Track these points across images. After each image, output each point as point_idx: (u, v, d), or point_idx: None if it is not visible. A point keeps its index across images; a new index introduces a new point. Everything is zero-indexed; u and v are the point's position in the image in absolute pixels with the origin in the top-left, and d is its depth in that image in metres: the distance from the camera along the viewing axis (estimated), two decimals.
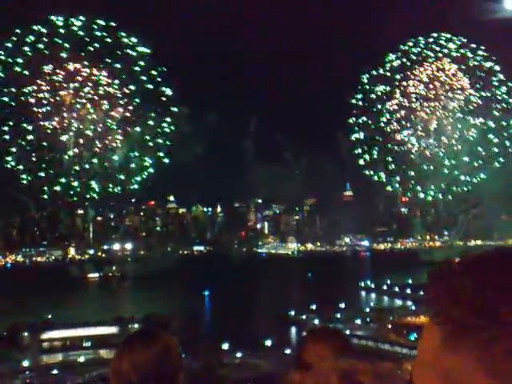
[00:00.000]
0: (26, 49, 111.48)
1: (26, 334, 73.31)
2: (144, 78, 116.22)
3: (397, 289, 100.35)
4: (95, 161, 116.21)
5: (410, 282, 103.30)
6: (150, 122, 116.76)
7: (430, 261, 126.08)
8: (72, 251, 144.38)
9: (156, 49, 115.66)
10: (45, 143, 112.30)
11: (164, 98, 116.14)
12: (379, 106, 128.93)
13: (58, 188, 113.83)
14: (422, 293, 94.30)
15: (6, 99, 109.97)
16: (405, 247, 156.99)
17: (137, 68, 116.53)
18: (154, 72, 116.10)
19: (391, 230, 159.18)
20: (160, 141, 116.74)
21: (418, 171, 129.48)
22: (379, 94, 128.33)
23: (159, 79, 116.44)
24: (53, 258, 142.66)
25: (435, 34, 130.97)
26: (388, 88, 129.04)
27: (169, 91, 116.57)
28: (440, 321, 1.03)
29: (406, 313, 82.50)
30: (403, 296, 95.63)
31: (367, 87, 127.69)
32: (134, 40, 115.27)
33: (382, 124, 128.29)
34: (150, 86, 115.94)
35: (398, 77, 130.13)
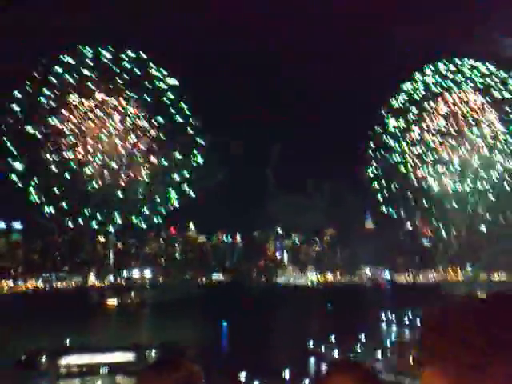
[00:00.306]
0: (53, 79, 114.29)
1: (44, 358, 73.36)
2: (172, 110, 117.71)
3: (418, 322, 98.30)
4: (119, 193, 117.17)
5: None
6: (176, 154, 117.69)
7: (452, 294, 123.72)
8: (92, 277, 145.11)
9: (182, 80, 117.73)
10: (67, 175, 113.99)
11: (191, 130, 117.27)
12: (397, 141, 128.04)
13: (80, 219, 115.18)
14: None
15: (30, 130, 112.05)
16: (427, 280, 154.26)
17: (164, 99, 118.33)
18: (182, 104, 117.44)
19: (413, 261, 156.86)
20: (185, 173, 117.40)
21: (440, 208, 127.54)
22: (397, 127, 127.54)
23: (187, 112, 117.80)
24: (73, 283, 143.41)
25: (458, 61, 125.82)
26: (405, 121, 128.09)
27: (195, 122, 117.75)
28: (447, 365, 1.00)
29: None
30: None
31: (386, 120, 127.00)
32: (163, 72, 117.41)
33: (400, 159, 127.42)
34: (178, 118, 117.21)
35: (415, 110, 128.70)
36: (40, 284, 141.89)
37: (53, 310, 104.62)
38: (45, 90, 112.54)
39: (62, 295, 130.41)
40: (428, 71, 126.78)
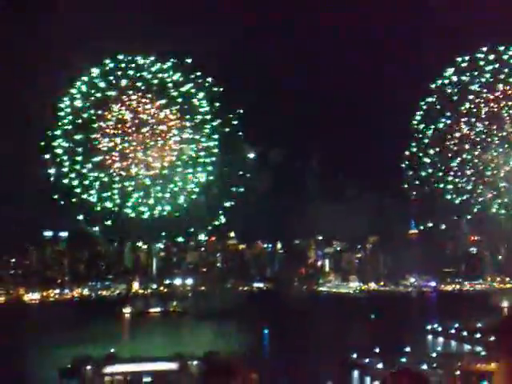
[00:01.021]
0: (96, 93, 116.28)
1: (89, 367, 74.62)
2: (219, 120, 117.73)
3: (466, 333, 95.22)
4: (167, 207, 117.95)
5: (479, 326, 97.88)
6: (225, 168, 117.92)
7: (500, 304, 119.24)
8: (136, 285, 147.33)
9: (227, 88, 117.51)
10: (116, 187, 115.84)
11: (239, 142, 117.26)
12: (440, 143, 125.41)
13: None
14: (492, 338, 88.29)
15: (78, 149, 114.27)
16: (474, 289, 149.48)
17: (208, 108, 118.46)
18: (230, 115, 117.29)
19: (459, 270, 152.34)
20: (233, 189, 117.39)
21: (487, 215, 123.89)
22: (441, 126, 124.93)
23: (235, 122, 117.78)
24: (117, 291, 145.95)
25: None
26: (449, 121, 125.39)
27: (241, 133, 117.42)
28: None
29: (476, 359, 77.80)
30: (473, 341, 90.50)
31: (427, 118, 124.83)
32: (209, 80, 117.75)
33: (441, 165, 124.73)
34: (227, 129, 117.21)
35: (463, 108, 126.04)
36: (86, 292, 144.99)
37: (97, 318, 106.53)
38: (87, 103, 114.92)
39: (107, 303, 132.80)
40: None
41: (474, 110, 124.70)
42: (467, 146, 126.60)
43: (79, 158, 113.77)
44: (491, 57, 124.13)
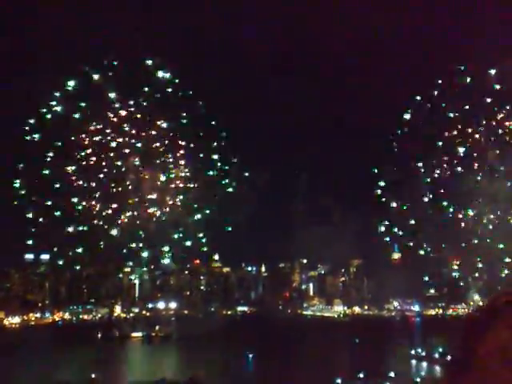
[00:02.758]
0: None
1: None
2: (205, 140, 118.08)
3: (449, 358, 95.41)
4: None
5: None
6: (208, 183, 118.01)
7: None
8: (118, 309, 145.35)
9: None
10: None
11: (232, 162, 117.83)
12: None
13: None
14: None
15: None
16: (457, 313, 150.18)
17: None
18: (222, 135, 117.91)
19: (442, 294, 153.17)
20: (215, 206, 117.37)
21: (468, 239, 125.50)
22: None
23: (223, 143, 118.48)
24: (99, 315, 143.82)
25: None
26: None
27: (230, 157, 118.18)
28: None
29: None
30: None
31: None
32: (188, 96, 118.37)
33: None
34: (215, 143, 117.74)
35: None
36: (67, 316, 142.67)
37: (78, 343, 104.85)
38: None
39: (88, 327, 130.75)
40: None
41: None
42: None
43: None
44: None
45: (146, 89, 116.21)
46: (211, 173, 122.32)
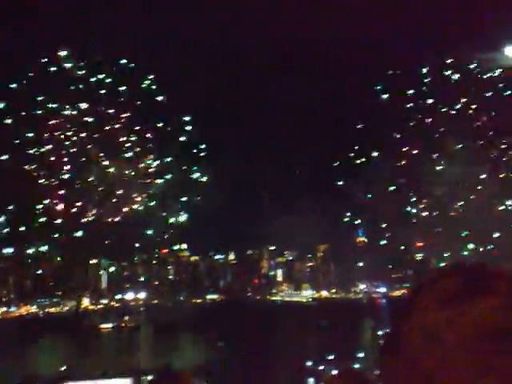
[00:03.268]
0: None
1: None
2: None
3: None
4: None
5: None
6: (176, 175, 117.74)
7: None
8: (86, 301, 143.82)
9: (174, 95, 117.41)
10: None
11: (197, 151, 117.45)
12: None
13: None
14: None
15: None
16: None
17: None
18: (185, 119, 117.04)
19: (407, 275, 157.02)
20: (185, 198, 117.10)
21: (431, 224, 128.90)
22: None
23: (188, 128, 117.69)
24: (66, 308, 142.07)
25: None
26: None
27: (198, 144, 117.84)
28: None
29: None
30: None
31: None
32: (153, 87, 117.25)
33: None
34: (183, 138, 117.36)
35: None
36: (34, 309, 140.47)
37: (46, 336, 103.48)
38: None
39: (56, 320, 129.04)
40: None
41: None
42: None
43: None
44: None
45: (109, 80, 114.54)
46: (177, 161, 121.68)
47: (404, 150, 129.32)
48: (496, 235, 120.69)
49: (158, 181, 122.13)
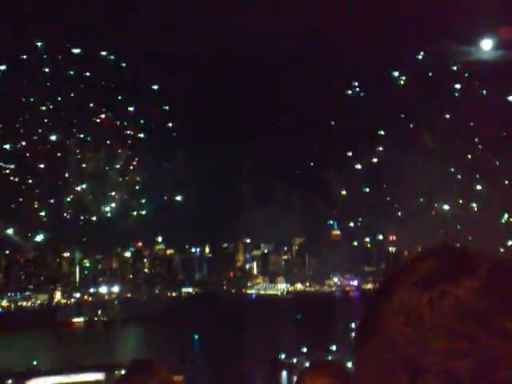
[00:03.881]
0: None
1: (10, 381, 71.55)
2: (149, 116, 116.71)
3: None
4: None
5: None
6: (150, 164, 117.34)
7: None
8: (58, 295, 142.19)
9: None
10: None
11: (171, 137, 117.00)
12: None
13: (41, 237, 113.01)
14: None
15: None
16: None
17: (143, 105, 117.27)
18: (165, 108, 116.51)
19: (380, 269, 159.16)
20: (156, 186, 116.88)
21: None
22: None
23: (168, 119, 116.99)
24: (38, 302, 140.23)
25: None
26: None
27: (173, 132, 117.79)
28: None
29: None
30: None
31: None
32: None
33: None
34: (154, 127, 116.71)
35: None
36: (4, 303, 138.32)
37: (18, 331, 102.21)
38: None
39: (28, 314, 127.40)
40: None
41: None
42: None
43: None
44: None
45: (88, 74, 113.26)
46: (153, 156, 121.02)
47: (379, 148, 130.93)
48: (469, 237, 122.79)
49: (135, 175, 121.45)
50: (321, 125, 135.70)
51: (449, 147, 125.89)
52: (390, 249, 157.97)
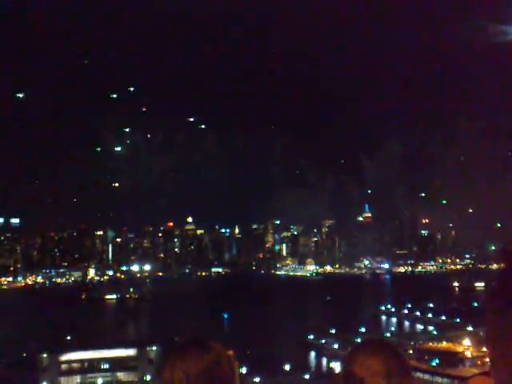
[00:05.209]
0: None
1: (45, 355, 73.25)
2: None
3: (418, 313, 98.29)
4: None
5: (431, 306, 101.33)
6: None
7: (449, 285, 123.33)
8: (91, 272, 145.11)
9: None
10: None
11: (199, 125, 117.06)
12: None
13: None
14: (443, 317, 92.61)
15: None
16: (426, 270, 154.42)
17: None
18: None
19: (412, 252, 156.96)
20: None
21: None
22: None
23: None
24: (72, 279, 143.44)
25: None
26: None
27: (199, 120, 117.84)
28: None
29: (428, 338, 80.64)
30: (425, 321, 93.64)
31: None
32: None
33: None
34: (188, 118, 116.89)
35: None
36: (40, 279, 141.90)
37: (52, 306, 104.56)
38: None
39: (62, 290, 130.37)
40: None
41: None
42: None
43: None
44: None
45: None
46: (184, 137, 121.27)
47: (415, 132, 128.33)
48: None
49: (167, 156, 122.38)
50: (352, 110, 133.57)
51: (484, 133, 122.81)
52: (423, 232, 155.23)
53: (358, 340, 79.34)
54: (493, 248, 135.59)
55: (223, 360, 2.87)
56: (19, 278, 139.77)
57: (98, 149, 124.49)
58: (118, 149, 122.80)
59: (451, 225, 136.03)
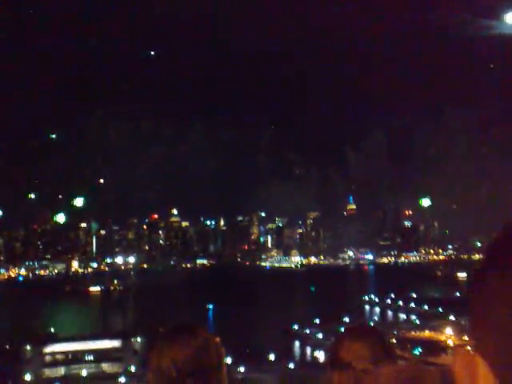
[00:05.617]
0: None
1: (28, 347, 72.89)
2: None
3: (401, 303, 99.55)
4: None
5: (413, 295, 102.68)
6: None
7: (434, 275, 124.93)
8: (75, 264, 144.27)
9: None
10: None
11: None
12: None
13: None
14: (425, 307, 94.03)
15: None
16: (408, 261, 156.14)
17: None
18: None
19: (395, 243, 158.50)
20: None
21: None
22: None
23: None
24: (56, 271, 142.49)
25: None
26: None
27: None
28: None
29: (411, 327, 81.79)
30: (407, 310, 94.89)
31: None
32: None
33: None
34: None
35: None
36: (23, 272, 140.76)
37: (36, 298, 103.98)
38: None
39: (45, 283, 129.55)
40: None
41: None
42: None
43: None
44: None
45: None
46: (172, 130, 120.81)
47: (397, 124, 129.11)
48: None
49: (151, 147, 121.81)
50: (337, 101, 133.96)
51: (473, 122, 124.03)
52: (406, 223, 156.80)
53: (342, 329, 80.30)
54: (476, 240, 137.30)
55: (211, 346, 2.92)
56: (2, 271, 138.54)
57: (83, 140, 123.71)
58: (103, 140, 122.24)
59: (434, 219, 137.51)
